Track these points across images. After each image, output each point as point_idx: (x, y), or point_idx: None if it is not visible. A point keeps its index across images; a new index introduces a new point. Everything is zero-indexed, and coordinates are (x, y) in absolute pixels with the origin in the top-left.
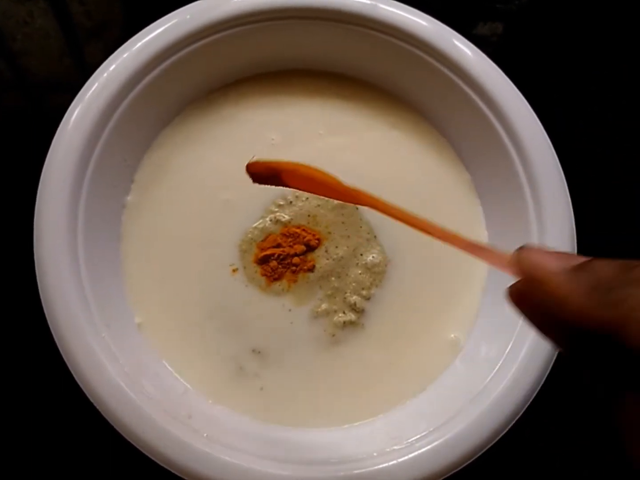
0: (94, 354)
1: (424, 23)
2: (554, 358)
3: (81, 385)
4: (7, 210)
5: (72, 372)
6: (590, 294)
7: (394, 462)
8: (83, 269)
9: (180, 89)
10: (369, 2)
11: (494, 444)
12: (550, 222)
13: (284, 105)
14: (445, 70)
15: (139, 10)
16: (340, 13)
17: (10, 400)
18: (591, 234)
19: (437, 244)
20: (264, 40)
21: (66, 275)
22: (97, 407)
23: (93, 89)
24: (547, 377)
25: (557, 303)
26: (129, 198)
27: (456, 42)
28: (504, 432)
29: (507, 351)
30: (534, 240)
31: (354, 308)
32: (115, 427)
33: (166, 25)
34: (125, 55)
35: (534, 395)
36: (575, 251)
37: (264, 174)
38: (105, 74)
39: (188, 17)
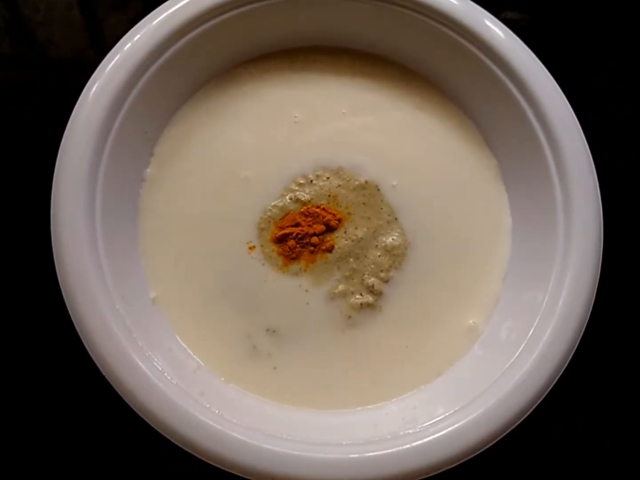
0: (107, 325)
1: (454, 1)
2: (574, 350)
3: (93, 357)
4: (26, 180)
5: (85, 343)
6: None
7: (408, 446)
8: (100, 240)
9: (202, 64)
10: None
11: (512, 431)
12: (577, 212)
13: (308, 82)
14: (475, 51)
15: None
16: None
17: (24, 370)
18: (618, 222)
19: (458, 229)
20: (289, 16)
21: (83, 246)
22: (109, 379)
23: (114, 60)
24: (566, 367)
25: None
26: (148, 172)
27: (488, 23)
28: (520, 421)
29: (529, 335)
30: (560, 229)
31: (371, 290)
32: (126, 400)
33: (184, 1)
34: (146, 28)
35: (552, 385)
36: (602, 240)
37: None
38: (127, 46)
39: None
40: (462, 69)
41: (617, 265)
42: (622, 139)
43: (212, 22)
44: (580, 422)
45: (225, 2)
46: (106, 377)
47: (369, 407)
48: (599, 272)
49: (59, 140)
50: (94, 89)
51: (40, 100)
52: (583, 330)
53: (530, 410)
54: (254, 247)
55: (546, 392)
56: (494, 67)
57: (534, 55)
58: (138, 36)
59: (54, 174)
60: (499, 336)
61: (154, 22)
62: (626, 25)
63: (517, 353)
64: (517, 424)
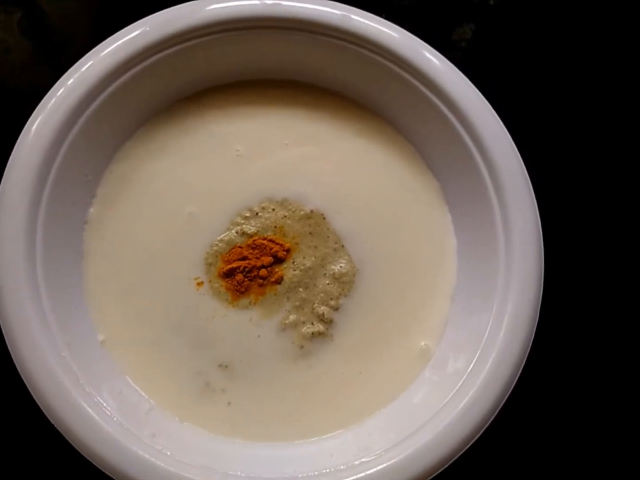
0: (53, 374)
1: (394, 34)
2: (520, 369)
3: (41, 406)
4: None
5: (32, 392)
6: None
7: (362, 474)
8: (42, 288)
9: (142, 101)
10: (340, 13)
11: (461, 455)
12: (516, 228)
13: (249, 115)
14: (411, 79)
15: (106, 23)
16: (312, 24)
17: None
18: (557, 236)
19: (405, 253)
20: (230, 51)
21: (24, 295)
22: (58, 428)
23: (51, 102)
24: (514, 387)
25: None
26: (90, 214)
27: (425, 53)
28: (470, 444)
29: (473, 362)
30: (501, 248)
31: (322, 319)
32: (76, 447)
33: (126, 37)
34: (84, 68)
35: (501, 405)
36: (542, 255)
37: None
38: (63, 88)
39: (148, 28)
40: (401, 98)
41: (560, 280)
42: (558, 156)
43: (151, 59)
44: (533, 436)
45: (160, 41)
46: (55, 425)
47: (325, 436)
48: (542, 284)
49: None
50: (30, 132)
51: None
52: (528, 350)
53: (480, 432)
54: (202, 282)
55: (494, 414)
56: (429, 94)
57: (469, 83)
58: (73, 78)
59: None
60: (448, 360)
61: (90, 62)
62: (561, 47)
63: (464, 377)
64: (467, 447)
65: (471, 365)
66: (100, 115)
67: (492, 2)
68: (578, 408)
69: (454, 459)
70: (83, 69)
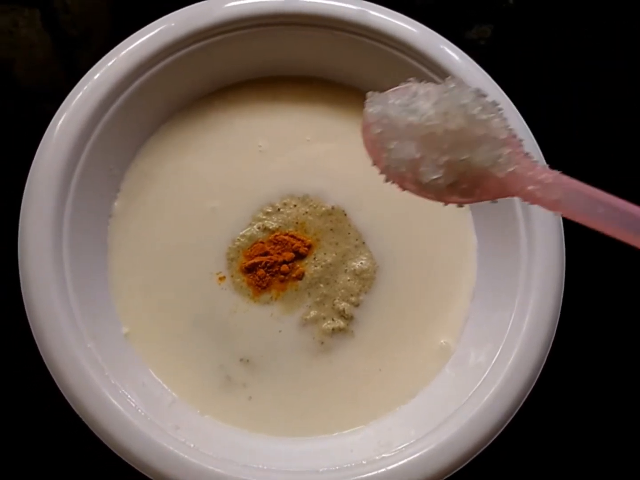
0: (79, 366)
1: (413, 29)
2: (543, 363)
3: (67, 398)
4: None
5: (58, 384)
6: None
7: (383, 470)
8: (69, 280)
9: (166, 97)
10: (357, 8)
11: (484, 451)
12: (538, 226)
13: (272, 111)
14: (433, 76)
15: (126, 18)
16: (329, 19)
17: None
18: (579, 233)
19: (425, 250)
20: (251, 47)
21: (51, 288)
22: (83, 419)
23: (77, 98)
24: (536, 382)
25: None
26: (115, 208)
27: (444, 48)
28: (492, 439)
29: (495, 357)
30: (523, 243)
31: (343, 315)
32: (101, 438)
33: (151, 33)
34: (109, 64)
35: (523, 400)
36: (564, 252)
37: None
38: (89, 84)
39: (173, 24)
40: None
41: (582, 277)
42: (579, 154)
43: (174, 56)
44: (555, 434)
45: (185, 37)
46: (80, 416)
47: (345, 432)
48: (564, 283)
49: (22, 182)
50: (56, 129)
51: (4, 137)
52: (550, 346)
53: (502, 429)
54: (223, 277)
55: (517, 409)
56: None
57: (489, 77)
58: (98, 74)
59: (20, 214)
60: (469, 356)
61: (115, 59)
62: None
63: (488, 370)
64: (489, 443)
65: (492, 362)
66: (126, 111)
67: (511, 1)
68: (599, 405)
69: (475, 455)
70: (109, 64)
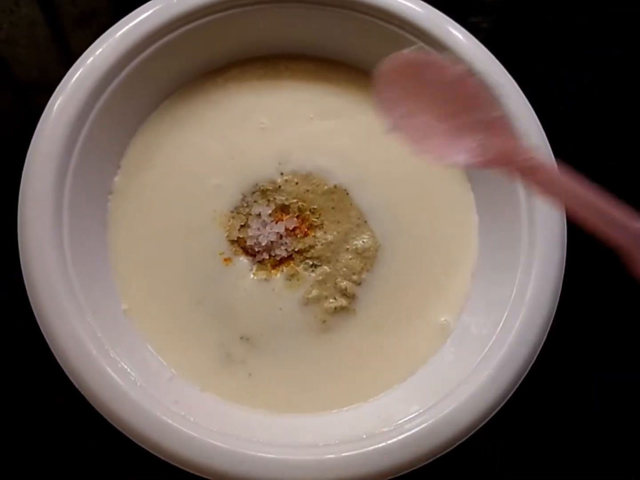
0: (79, 339)
1: (418, 9)
2: (544, 338)
3: (65, 370)
4: None
5: (57, 356)
6: None
7: (383, 444)
8: (69, 255)
9: (167, 74)
10: None
11: (484, 425)
12: (539, 206)
13: (274, 89)
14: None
15: None
16: None
17: None
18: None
19: (427, 229)
20: (254, 25)
21: (51, 261)
22: (81, 391)
23: (78, 74)
24: (537, 358)
25: None
26: (115, 184)
27: (450, 29)
28: (493, 414)
29: (499, 328)
30: (524, 223)
31: (345, 293)
32: (100, 412)
33: (152, 10)
34: (110, 40)
35: (525, 374)
36: (565, 229)
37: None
38: (90, 59)
39: (175, 1)
40: None
41: (582, 253)
42: (581, 133)
43: (175, 32)
44: (556, 408)
45: (187, 13)
46: (79, 389)
47: (345, 408)
48: (564, 261)
49: (24, 158)
50: (57, 103)
51: (5, 118)
52: (551, 320)
53: (503, 403)
54: (228, 258)
55: (518, 383)
56: None
57: (494, 59)
58: (100, 49)
59: (20, 191)
60: (469, 332)
61: (117, 35)
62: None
63: (488, 347)
64: (490, 416)
65: (493, 337)
66: (127, 87)
67: None
68: (600, 380)
69: (476, 429)
70: (110, 40)
